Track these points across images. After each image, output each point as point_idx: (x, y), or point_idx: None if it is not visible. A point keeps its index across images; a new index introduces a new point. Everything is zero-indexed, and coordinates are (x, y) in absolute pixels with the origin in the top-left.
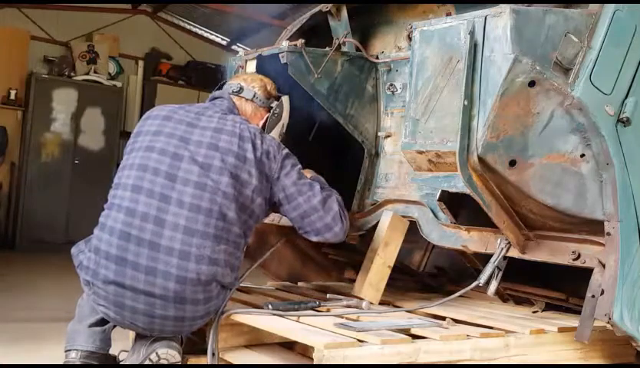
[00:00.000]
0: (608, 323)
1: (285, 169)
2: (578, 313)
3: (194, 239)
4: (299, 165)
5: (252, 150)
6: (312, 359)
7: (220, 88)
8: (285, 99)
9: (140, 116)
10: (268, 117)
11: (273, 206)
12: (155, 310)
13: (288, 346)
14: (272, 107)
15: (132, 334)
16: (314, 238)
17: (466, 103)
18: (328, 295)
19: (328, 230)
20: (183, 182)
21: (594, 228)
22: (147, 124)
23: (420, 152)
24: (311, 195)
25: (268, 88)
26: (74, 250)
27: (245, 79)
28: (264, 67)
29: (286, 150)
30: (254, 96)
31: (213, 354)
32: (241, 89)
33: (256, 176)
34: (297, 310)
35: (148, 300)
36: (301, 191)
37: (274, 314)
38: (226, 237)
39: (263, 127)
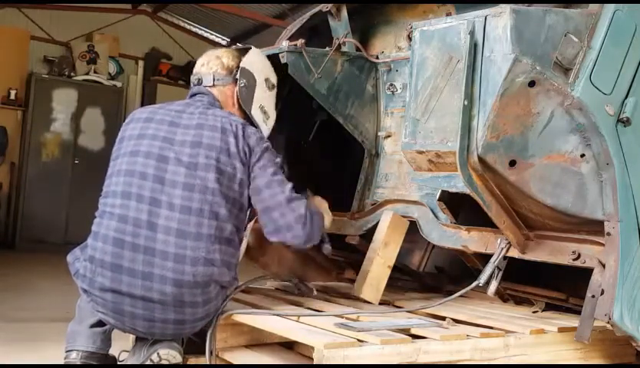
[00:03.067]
0: (608, 323)
1: (261, 162)
2: (578, 313)
3: (188, 241)
4: (278, 161)
5: (235, 143)
6: (312, 359)
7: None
8: (254, 54)
9: None
10: (236, 92)
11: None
12: (155, 314)
13: (288, 346)
14: (237, 79)
15: (132, 335)
16: (273, 238)
17: (466, 103)
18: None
19: (289, 229)
20: (171, 184)
21: (594, 228)
22: (129, 128)
23: (420, 152)
24: (278, 192)
25: (225, 61)
26: (69, 257)
27: (203, 64)
28: None
29: (267, 144)
30: (214, 79)
31: (211, 353)
32: (199, 81)
33: (240, 169)
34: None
35: (147, 305)
36: (270, 185)
37: (274, 314)
38: (220, 235)
39: (239, 104)
